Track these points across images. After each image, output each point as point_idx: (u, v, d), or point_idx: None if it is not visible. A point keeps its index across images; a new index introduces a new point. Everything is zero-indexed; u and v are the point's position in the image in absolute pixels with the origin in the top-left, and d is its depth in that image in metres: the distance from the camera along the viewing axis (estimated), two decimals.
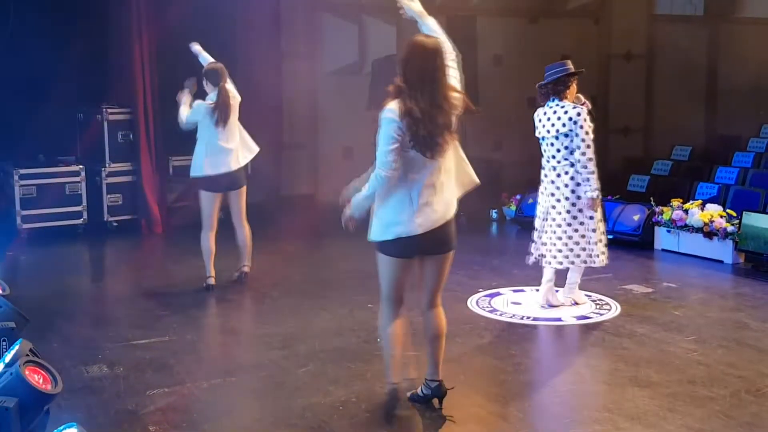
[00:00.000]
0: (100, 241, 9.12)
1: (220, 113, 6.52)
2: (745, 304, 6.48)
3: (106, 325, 5.96)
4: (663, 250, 8.38)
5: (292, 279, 7.26)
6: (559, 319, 6.03)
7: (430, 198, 4.00)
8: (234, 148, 6.61)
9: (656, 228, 8.45)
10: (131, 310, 6.33)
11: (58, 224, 9.09)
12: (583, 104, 6.04)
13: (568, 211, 5.94)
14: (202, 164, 6.58)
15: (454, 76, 4.08)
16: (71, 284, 7.33)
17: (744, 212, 7.73)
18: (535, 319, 6.05)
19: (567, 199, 5.93)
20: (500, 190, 10.40)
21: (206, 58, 6.87)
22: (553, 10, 12.42)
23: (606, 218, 8.77)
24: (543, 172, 6.10)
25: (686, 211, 8.15)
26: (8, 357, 3.42)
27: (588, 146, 5.83)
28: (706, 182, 9.34)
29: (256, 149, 6.81)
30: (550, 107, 5.98)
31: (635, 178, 10.14)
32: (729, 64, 12.72)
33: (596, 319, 6.04)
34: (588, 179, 5.84)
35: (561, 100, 5.94)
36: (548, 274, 6.20)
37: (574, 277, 6.25)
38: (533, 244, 6.24)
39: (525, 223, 9.63)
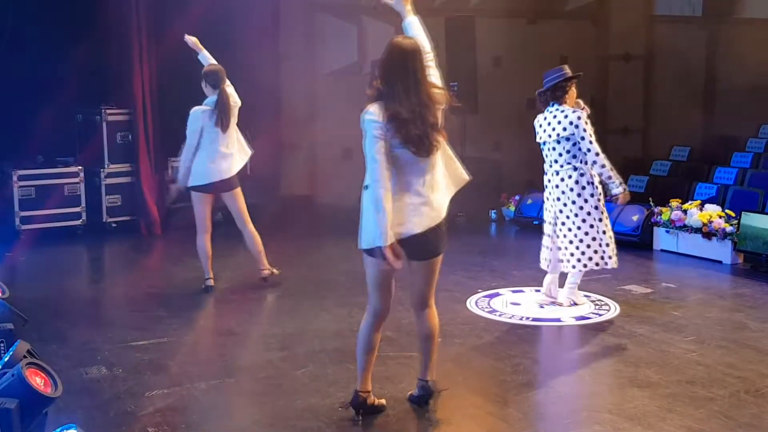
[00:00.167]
0: (99, 242, 9.11)
1: (221, 117, 6.43)
2: (744, 304, 6.49)
3: (104, 326, 5.95)
4: (662, 250, 8.39)
5: (291, 280, 7.26)
6: (559, 320, 6.03)
7: (424, 199, 3.96)
8: (233, 153, 6.57)
9: (655, 228, 8.46)
10: (130, 312, 6.32)
11: (57, 225, 9.08)
12: (582, 109, 6.08)
13: (576, 215, 5.95)
14: (204, 172, 6.47)
15: (434, 75, 4.08)
16: (70, 285, 7.32)
17: (743, 212, 7.74)
18: (534, 319, 6.05)
19: (574, 203, 5.95)
20: (499, 191, 10.41)
21: (206, 57, 6.78)
22: (551, 11, 12.42)
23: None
24: (546, 177, 6.13)
25: (685, 212, 8.16)
26: (7, 359, 3.42)
27: (595, 146, 5.87)
28: (704, 183, 9.34)
29: (249, 152, 6.76)
30: (550, 112, 6.01)
31: (634, 179, 10.14)
32: (727, 64, 12.72)
33: (595, 319, 6.04)
34: (609, 177, 5.92)
35: (560, 104, 5.97)
36: (571, 277, 6.23)
37: (574, 278, 6.25)
38: (546, 250, 6.24)
39: (524, 223, 9.65)
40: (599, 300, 6.52)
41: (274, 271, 6.86)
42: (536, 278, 6.82)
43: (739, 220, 7.71)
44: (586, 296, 6.51)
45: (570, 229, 6.00)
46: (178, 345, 5.47)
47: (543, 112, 6.09)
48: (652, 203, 8.59)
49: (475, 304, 6.45)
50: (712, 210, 7.98)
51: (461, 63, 10.24)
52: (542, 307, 6.32)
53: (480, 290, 6.83)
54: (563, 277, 6.35)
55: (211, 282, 6.70)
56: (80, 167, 9.31)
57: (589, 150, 5.86)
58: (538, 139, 6.12)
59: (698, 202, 8.30)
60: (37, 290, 6.88)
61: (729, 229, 7.74)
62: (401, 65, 3.90)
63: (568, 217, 5.99)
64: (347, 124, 10.07)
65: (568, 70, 6.01)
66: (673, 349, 5.32)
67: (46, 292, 6.87)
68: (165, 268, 8.04)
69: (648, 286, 7.00)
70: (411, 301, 4.24)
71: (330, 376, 4.87)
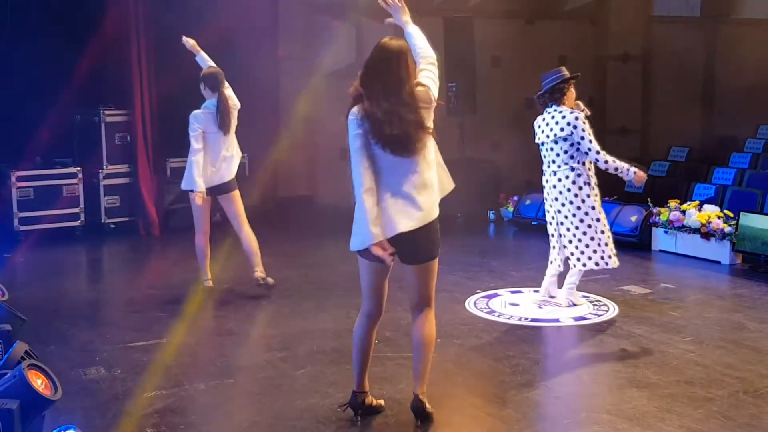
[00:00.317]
0: (98, 243, 9.11)
1: (222, 120, 6.38)
2: (742, 304, 6.49)
3: (103, 327, 5.95)
4: (660, 251, 8.39)
5: (290, 280, 7.26)
6: (557, 321, 6.03)
7: (410, 200, 3.89)
8: (233, 156, 6.53)
9: (654, 229, 8.46)
10: (128, 313, 6.32)
11: (56, 226, 9.07)
12: (582, 110, 6.11)
13: (574, 215, 5.98)
14: (197, 179, 6.40)
15: (429, 77, 4.02)
16: (68, 286, 7.32)
17: (741, 213, 7.74)
18: (533, 320, 6.05)
19: (571, 203, 5.97)
20: (498, 192, 10.41)
21: (204, 59, 6.74)
22: (550, 11, 12.43)
23: None
24: (544, 178, 6.15)
25: (684, 212, 8.16)
26: (5, 360, 3.42)
27: (595, 145, 5.89)
28: (703, 183, 9.35)
29: (241, 154, 6.72)
30: (549, 113, 6.04)
31: None
32: (726, 65, 12.74)
33: (594, 320, 6.04)
34: (616, 169, 5.94)
35: (559, 105, 6.01)
36: (570, 278, 6.25)
37: (573, 278, 6.26)
38: (553, 250, 6.28)
39: (522, 224, 9.65)
40: (598, 300, 6.53)
41: (268, 279, 6.66)
42: (535, 279, 6.82)
43: (738, 220, 7.72)
44: (584, 297, 6.51)
45: (569, 229, 6.03)
46: (177, 346, 5.46)
47: (542, 113, 6.12)
48: (650, 204, 8.60)
49: (474, 304, 6.45)
50: (711, 210, 7.98)
51: (460, 63, 10.25)
52: (541, 307, 6.32)
53: (478, 291, 6.83)
54: (562, 277, 6.36)
55: (209, 283, 6.70)
56: (79, 168, 9.31)
57: (589, 150, 5.88)
58: (536, 140, 6.14)
59: (697, 202, 8.31)
60: (35, 291, 6.88)
61: (727, 229, 7.74)
62: (383, 65, 3.89)
63: (566, 217, 6.01)
64: (346, 124, 10.12)
65: (565, 72, 6.04)
66: (671, 350, 5.33)
67: (45, 293, 6.87)
68: (163, 268, 8.04)
69: (647, 287, 7.01)
70: (409, 304, 4.22)
71: (329, 376, 4.87)
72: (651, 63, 13.08)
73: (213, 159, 6.43)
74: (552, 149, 6.00)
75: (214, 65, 6.66)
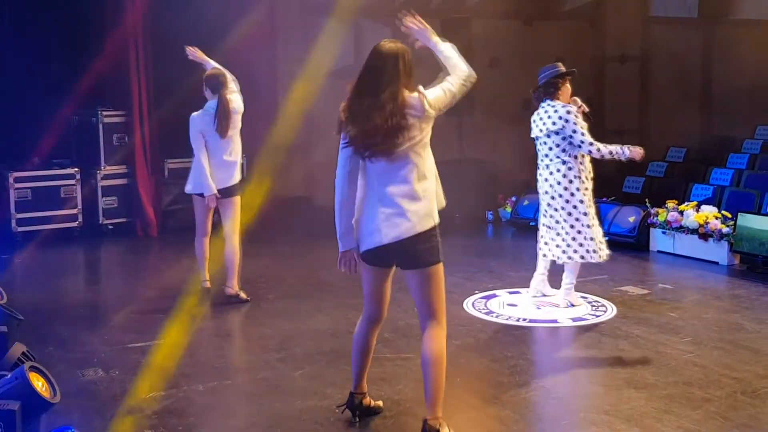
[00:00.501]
0: (96, 244, 9.10)
1: (220, 123, 6.31)
2: (740, 305, 6.50)
3: (101, 328, 5.95)
4: (658, 251, 8.40)
5: (288, 281, 7.26)
6: (555, 321, 6.04)
7: (398, 209, 3.78)
8: (236, 161, 6.44)
9: (652, 229, 8.47)
10: (126, 314, 6.32)
11: (54, 227, 9.07)
12: (579, 107, 6.13)
13: (563, 208, 6.03)
14: (206, 183, 6.35)
15: (440, 87, 3.86)
16: (66, 287, 7.32)
17: (739, 213, 7.75)
18: (530, 321, 6.05)
19: (561, 196, 6.02)
20: (496, 192, 10.41)
21: (210, 63, 6.62)
22: (548, 12, 12.44)
23: (601, 220, 8.80)
24: (538, 172, 6.19)
25: (681, 213, 8.17)
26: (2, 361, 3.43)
27: (587, 138, 5.93)
28: (701, 184, 9.36)
29: (240, 158, 6.61)
30: (543, 107, 6.11)
31: (630, 180, 10.16)
32: (723, 65, 12.76)
33: (592, 320, 6.04)
34: (611, 153, 5.99)
35: (553, 100, 6.05)
36: (566, 278, 6.28)
37: (569, 278, 6.27)
38: (541, 240, 6.34)
39: (521, 225, 9.65)
40: (596, 301, 6.53)
41: (242, 294, 6.48)
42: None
43: (736, 221, 7.72)
44: (582, 297, 6.52)
45: (557, 222, 6.08)
46: (175, 347, 5.46)
47: (538, 108, 6.17)
48: (648, 204, 8.61)
49: (472, 305, 6.45)
50: (709, 211, 7.99)
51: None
52: (539, 308, 6.32)
53: (477, 291, 6.83)
54: (555, 276, 6.37)
55: (207, 284, 6.69)
56: (76, 169, 9.31)
57: (582, 142, 5.93)
58: (531, 135, 6.20)
59: (695, 203, 8.32)
60: (33, 292, 6.87)
61: (725, 230, 7.75)
62: (375, 66, 3.83)
63: (555, 210, 6.08)
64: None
65: (561, 67, 6.10)
66: (669, 350, 5.33)
67: (43, 294, 6.86)
68: (161, 269, 8.03)
69: (644, 288, 7.01)
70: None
71: (327, 377, 4.87)
72: (649, 64, 13.09)
73: (213, 162, 6.37)
74: (545, 143, 6.07)
75: (219, 68, 6.55)
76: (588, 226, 6.03)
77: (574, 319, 6.06)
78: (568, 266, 6.23)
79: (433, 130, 3.92)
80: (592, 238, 6.04)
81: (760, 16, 12.57)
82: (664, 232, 8.33)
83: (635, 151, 6.03)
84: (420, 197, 3.81)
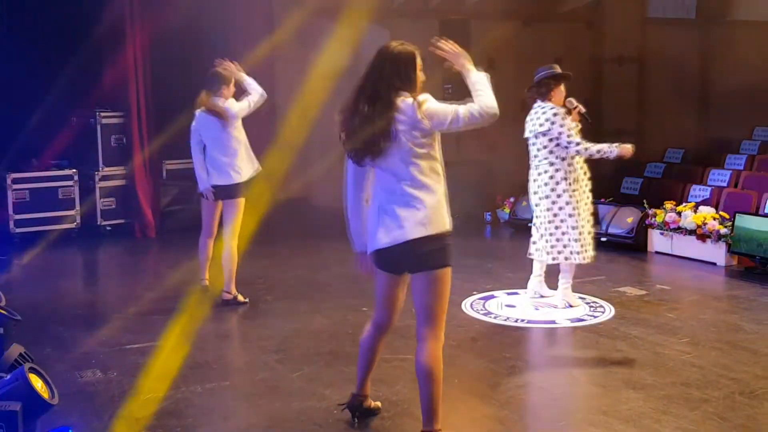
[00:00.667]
0: (94, 245, 9.10)
1: (197, 127, 6.38)
2: (738, 306, 6.50)
3: (99, 329, 5.94)
4: (656, 252, 8.40)
5: (287, 282, 7.25)
6: (553, 322, 6.04)
7: (390, 215, 3.72)
8: (233, 163, 6.34)
9: (650, 230, 8.47)
10: (125, 315, 6.31)
11: (52, 228, 9.06)
12: (575, 108, 6.15)
13: (549, 209, 6.09)
14: (199, 176, 6.44)
15: (450, 105, 3.71)
16: (64, 289, 7.31)
17: (737, 214, 7.76)
18: (529, 321, 6.05)
19: (547, 197, 6.08)
20: (494, 193, 10.42)
21: (249, 83, 6.49)
22: (546, 13, 12.45)
23: (599, 221, 8.82)
24: (530, 172, 6.25)
25: (679, 214, 8.18)
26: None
27: (573, 139, 5.96)
28: (698, 185, 9.37)
29: (256, 166, 6.48)
30: (534, 108, 6.15)
31: (628, 181, 10.16)
32: (721, 66, 12.77)
33: (590, 321, 6.05)
34: (599, 151, 6.00)
35: (544, 101, 6.07)
36: (563, 279, 6.32)
37: (565, 279, 6.29)
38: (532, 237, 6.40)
39: (519, 225, 9.65)
40: (594, 302, 6.53)
41: (240, 297, 6.48)
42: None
43: (733, 222, 7.73)
44: (581, 298, 6.53)
45: (542, 222, 6.15)
46: (174, 348, 5.45)
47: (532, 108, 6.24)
48: (646, 205, 8.61)
49: (470, 306, 6.45)
50: (707, 212, 8.00)
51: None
52: (537, 309, 6.33)
53: (475, 292, 6.83)
54: (553, 278, 6.39)
55: (205, 282, 6.68)
56: (74, 170, 9.30)
57: (569, 143, 5.96)
58: (524, 136, 6.23)
59: (692, 204, 8.33)
60: (31, 293, 6.86)
61: (723, 231, 7.76)
62: (371, 68, 3.79)
63: (542, 210, 6.14)
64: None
65: (556, 69, 6.12)
66: (667, 351, 5.33)
67: (41, 296, 6.86)
68: (159, 271, 8.03)
69: (642, 288, 7.02)
70: None
71: (325, 378, 4.87)
72: (646, 65, 13.09)
73: (209, 161, 6.40)
74: (534, 144, 6.13)
75: (254, 89, 6.45)
76: (573, 228, 6.05)
77: (572, 320, 6.06)
78: (563, 266, 6.25)
79: (423, 153, 3.74)
80: (576, 240, 6.06)
81: (757, 17, 12.58)
82: (662, 233, 8.34)
83: (624, 148, 6.05)
84: (413, 205, 3.69)
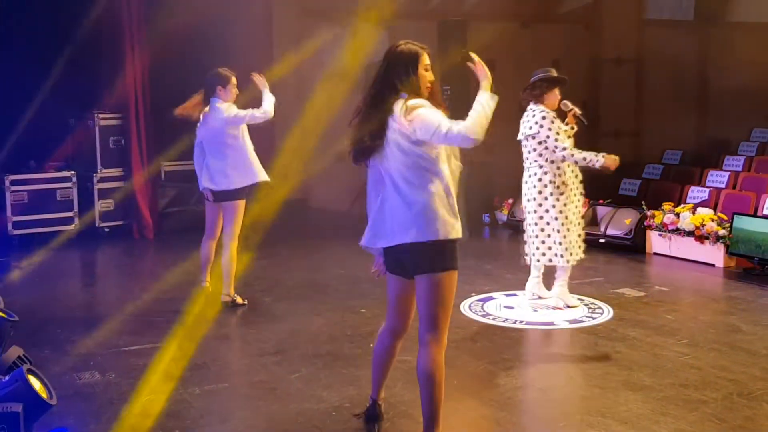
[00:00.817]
0: (92, 246, 9.09)
1: (199, 127, 6.37)
2: (736, 307, 6.51)
3: (97, 331, 5.93)
4: (655, 253, 8.41)
5: (285, 284, 7.25)
6: (552, 323, 6.04)
7: (387, 212, 3.70)
8: (218, 167, 6.26)
9: (648, 232, 8.48)
10: (123, 317, 6.30)
11: (50, 230, 9.06)
12: (570, 110, 6.18)
13: (535, 211, 6.14)
14: (197, 176, 6.45)
15: (445, 120, 3.58)
16: (63, 290, 7.31)
17: (735, 216, 7.77)
18: (527, 323, 6.06)
19: (534, 199, 6.13)
20: (492, 195, 10.42)
21: (265, 97, 6.42)
22: (544, 14, 12.46)
23: (598, 222, 8.82)
24: (523, 174, 6.31)
25: (678, 215, 8.18)
26: None
27: (560, 143, 5.98)
28: (697, 186, 9.38)
29: (256, 177, 6.32)
30: (527, 111, 6.19)
31: (626, 182, 10.17)
32: (719, 67, 12.78)
33: (589, 322, 6.05)
34: (585, 159, 6.00)
35: (536, 104, 6.10)
36: (558, 279, 6.36)
37: (561, 279, 6.31)
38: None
39: (517, 227, 9.65)
40: (592, 303, 6.54)
41: (238, 299, 6.47)
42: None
43: (732, 223, 7.74)
44: (579, 299, 6.53)
45: (529, 224, 6.20)
46: (172, 350, 5.44)
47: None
48: (644, 206, 8.62)
49: (469, 307, 6.45)
50: (705, 213, 8.01)
51: (453, 67, 10.26)
52: (536, 310, 6.33)
53: (473, 294, 6.83)
54: (551, 279, 6.39)
55: (205, 283, 6.67)
56: (73, 172, 9.30)
57: (556, 147, 5.98)
58: (517, 138, 6.30)
59: (690, 205, 8.34)
60: (29, 295, 6.86)
61: (721, 232, 7.76)
62: (379, 67, 3.77)
63: (529, 213, 6.19)
64: (339, 128, 10.13)
65: (552, 72, 6.14)
66: (666, 352, 5.34)
67: (39, 297, 6.85)
68: (158, 272, 8.02)
69: (641, 290, 7.02)
70: None
71: (323, 380, 4.87)
72: (644, 66, 13.11)
73: (202, 164, 6.42)
74: (525, 146, 6.17)
75: (264, 105, 6.36)
76: (557, 231, 6.08)
77: (570, 322, 6.06)
78: (558, 267, 6.27)
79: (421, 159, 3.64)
80: (560, 243, 6.08)
81: (755, 18, 12.59)
82: (660, 234, 8.34)
83: (609, 158, 6.02)
84: (403, 209, 3.63)
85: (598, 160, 6.02)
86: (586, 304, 6.49)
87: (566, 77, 6.23)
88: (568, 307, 6.33)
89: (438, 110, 3.67)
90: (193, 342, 5.76)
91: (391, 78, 3.70)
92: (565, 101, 6.21)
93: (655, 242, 8.42)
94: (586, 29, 12.92)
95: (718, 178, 9.61)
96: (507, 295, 6.82)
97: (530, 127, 6.07)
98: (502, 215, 10.09)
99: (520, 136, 6.22)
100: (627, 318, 6.15)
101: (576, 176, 6.17)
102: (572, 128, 6.27)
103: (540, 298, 6.47)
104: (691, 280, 7.46)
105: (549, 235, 6.12)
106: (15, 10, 9.11)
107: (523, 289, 6.58)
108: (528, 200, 6.18)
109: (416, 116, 3.60)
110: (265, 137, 10.13)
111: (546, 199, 6.08)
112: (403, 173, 3.65)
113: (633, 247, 8.48)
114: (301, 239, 9.19)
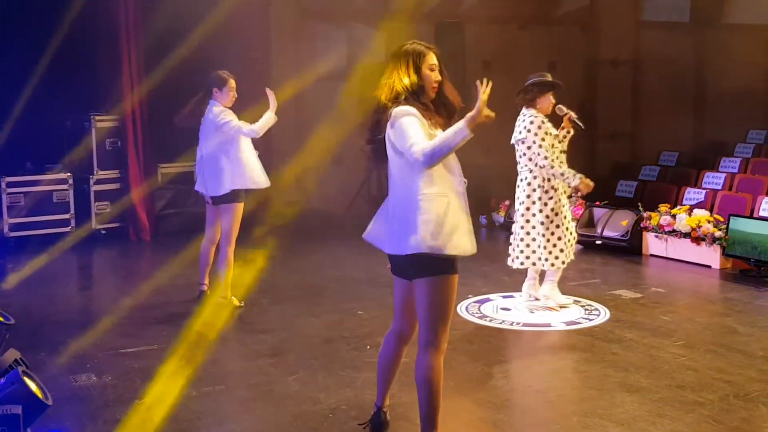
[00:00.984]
0: (88, 249, 9.08)
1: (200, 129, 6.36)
2: (733, 308, 6.51)
3: (94, 333, 5.92)
4: (651, 255, 8.41)
5: (282, 286, 7.25)
6: (549, 325, 6.04)
7: (387, 209, 3.71)
8: (209, 171, 6.24)
9: (644, 233, 8.49)
10: (119, 319, 6.29)
11: (46, 232, 9.04)
12: (565, 115, 6.19)
13: (522, 215, 6.20)
14: (197, 178, 6.48)
15: (417, 135, 3.49)
16: (59, 292, 7.29)
17: (731, 217, 7.78)
18: (524, 324, 6.06)
19: (522, 203, 6.20)
20: (489, 196, 10.43)
21: (264, 116, 6.32)
22: (541, 16, 12.48)
23: (594, 224, 8.83)
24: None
25: (674, 217, 8.19)
26: None
27: (543, 151, 6.01)
28: (693, 188, 9.39)
29: (246, 183, 6.25)
30: (519, 115, 6.23)
31: (623, 184, 10.19)
32: (715, 69, 12.80)
33: (585, 324, 6.05)
34: (562, 174, 6.02)
35: (528, 108, 6.15)
36: (549, 275, 6.40)
37: (549, 278, 6.37)
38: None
39: None
40: (589, 305, 6.54)
41: (235, 301, 6.43)
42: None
43: (728, 224, 7.75)
44: (576, 301, 6.54)
45: (515, 226, 6.25)
46: (168, 352, 5.44)
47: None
48: (641, 208, 8.63)
49: (466, 309, 6.45)
50: (701, 215, 8.02)
51: (451, 68, 10.27)
52: (533, 312, 6.34)
53: (470, 296, 6.83)
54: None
55: (204, 287, 6.66)
56: (69, 174, 9.28)
57: (537, 155, 6.04)
58: (511, 142, 6.34)
59: (687, 206, 8.35)
60: (25, 297, 6.85)
61: (717, 233, 7.77)
62: (386, 67, 3.76)
63: (517, 215, 6.23)
64: (337, 129, 10.14)
65: (546, 77, 6.17)
66: (662, 354, 5.34)
67: (35, 300, 6.84)
68: (154, 274, 8.00)
69: (637, 291, 7.03)
70: None
71: (320, 382, 4.86)
72: (641, 68, 13.13)
73: (201, 166, 6.42)
74: (517, 151, 6.21)
75: (260, 123, 6.27)
76: (542, 235, 6.10)
77: (567, 323, 6.07)
78: (523, 266, 6.32)
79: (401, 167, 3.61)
80: (544, 247, 6.11)
81: (751, 20, 12.62)
82: (656, 236, 8.35)
83: (585, 182, 5.99)
84: (396, 222, 3.62)
85: (574, 179, 6.00)
86: (582, 306, 6.50)
87: (560, 82, 6.24)
88: (560, 306, 6.35)
89: (424, 121, 3.55)
90: (189, 344, 5.76)
91: (392, 79, 3.66)
92: (559, 105, 6.23)
93: (652, 244, 8.43)
94: (583, 31, 12.94)
95: (714, 180, 9.63)
96: (504, 297, 6.82)
97: (520, 132, 6.13)
98: (499, 217, 10.10)
99: (512, 140, 6.26)
100: (623, 319, 6.15)
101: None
102: (568, 132, 6.28)
103: (536, 299, 6.48)
104: (688, 281, 7.47)
105: (534, 239, 6.15)
106: (11, 12, 9.10)
107: (520, 290, 6.59)
108: (520, 203, 6.23)
109: (397, 128, 3.56)
110: (262, 140, 10.15)
111: (534, 203, 6.12)
112: (397, 177, 3.65)
113: (629, 248, 8.49)
114: (299, 241, 9.18)
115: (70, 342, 5.68)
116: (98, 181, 9.46)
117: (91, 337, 5.82)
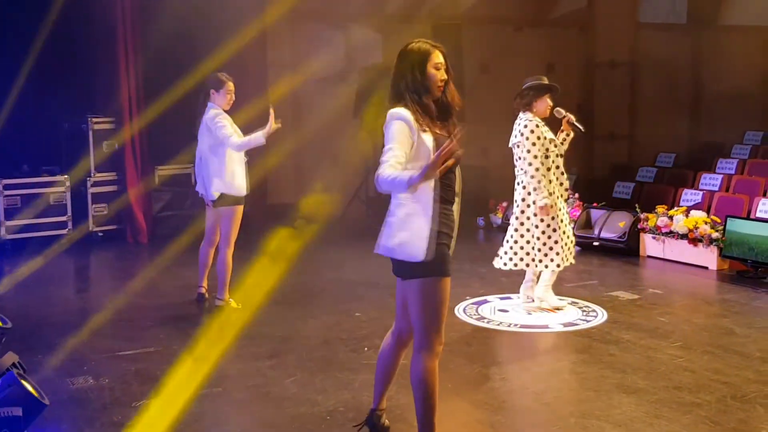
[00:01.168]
0: (86, 251, 9.07)
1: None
2: (730, 310, 6.52)
3: (91, 336, 5.92)
4: (649, 256, 8.42)
5: (279, 288, 7.23)
6: (546, 326, 6.05)
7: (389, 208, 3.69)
8: (205, 173, 6.26)
9: (642, 234, 8.50)
10: (117, 321, 6.29)
11: (43, 234, 9.03)
12: (564, 117, 6.20)
13: (517, 218, 6.20)
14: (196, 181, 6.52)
15: (391, 152, 3.47)
16: (56, 295, 7.29)
17: (728, 218, 7.79)
18: (522, 326, 6.06)
19: (518, 206, 6.21)
20: (487, 198, 10.43)
21: (267, 127, 6.22)
22: (538, 18, 12.50)
23: (592, 225, 8.84)
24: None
25: (671, 218, 8.20)
26: None
27: (534, 156, 6.01)
28: (690, 189, 9.40)
29: (230, 190, 6.20)
30: (516, 119, 6.23)
31: (620, 185, 10.20)
32: (712, 71, 12.83)
33: (582, 325, 6.06)
34: (535, 188, 6.04)
35: (525, 112, 6.16)
36: (544, 276, 6.40)
37: (544, 280, 6.36)
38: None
39: None
40: (586, 306, 6.54)
41: (233, 303, 6.40)
42: None
43: (725, 226, 7.76)
44: (573, 302, 6.54)
45: (510, 228, 6.26)
46: (166, 354, 5.44)
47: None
48: (638, 209, 8.64)
49: (464, 311, 6.45)
50: (698, 216, 8.03)
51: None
52: (530, 314, 6.34)
53: (468, 297, 6.84)
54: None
55: (202, 290, 6.66)
56: (66, 176, 9.28)
57: (525, 160, 6.06)
58: (509, 145, 6.35)
59: (684, 208, 8.36)
60: (22, 300, 6.84)
61: (715, 235, 7.78)
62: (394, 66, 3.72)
63: (513, 217, 6.24)
64: (335, 131, 10.15)
65: (543, 80, 6.17)
66: (659, 355, 5.35)
67: (32, 302, 6.83)
68: (152, 277, 7.99)
69: (635, 292, 7.03)
70: None
71: (318, 384, 4.86)
72: (638, 69, 13.15)
73: (201, 168, 6.42)
74: (514, 154, 6.22)
75: (246, 139, 6.18)
76: (537, 238, 6.10)
77: (565, 325, 6.07)
78: (517, 267, 6.33)
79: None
80: (539, 249, 6.11)
81: (748, 22, 12.65)
82: (654, 237, 8.36)
83: (545, 209, 5.99)
84: (389, 225, 3.60)
85: (543, 199, 5.99)
86: (580, 308, 6.50)
87: (556, 85, 6.24)
88: (555, 308, 6.36)
89: (413, 127, 3.51)
90: (186, 346, 5.76)
91: (397, 80, 3.64)
92: (558, 108, 6.23)
93: (649, 245, 8.43)
94: (580, 33, 12.96)
95: (711, 181, 9.64)
96: (501, 299, 6.82)
97: (515, 136, 6.13)
98: (497, 218, 10.10)
99: (510, 144, 6.27)
100: (621, 321, 6.16)
101: (561, 184, 6.17)
102: (568, 135, 6.29)
103: (533, 301, 6.48)
104: (685, 282, 7.48)
105: (528, 241, 6.16)
106: (9, 14, 9.09)
107: (518, 292, 6.59)
108: (516, 205, 6.24)
109: (387, 130, 3.54)
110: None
111: (528, 206, 6.13)
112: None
113: (627, 250, 8.49)
114: (297, 242, 9.16)
115: (67, 344, 5.67)
116: (95, 183, 9.46)
117: (88, 339, 5.81)
